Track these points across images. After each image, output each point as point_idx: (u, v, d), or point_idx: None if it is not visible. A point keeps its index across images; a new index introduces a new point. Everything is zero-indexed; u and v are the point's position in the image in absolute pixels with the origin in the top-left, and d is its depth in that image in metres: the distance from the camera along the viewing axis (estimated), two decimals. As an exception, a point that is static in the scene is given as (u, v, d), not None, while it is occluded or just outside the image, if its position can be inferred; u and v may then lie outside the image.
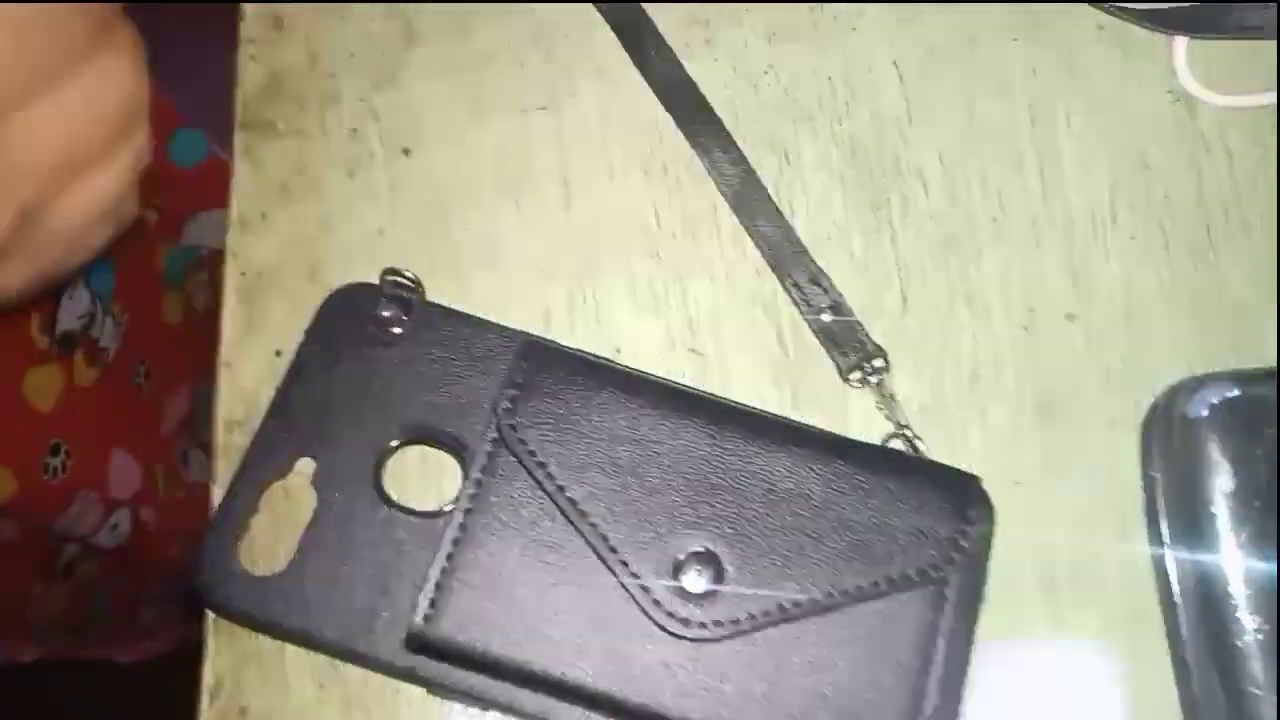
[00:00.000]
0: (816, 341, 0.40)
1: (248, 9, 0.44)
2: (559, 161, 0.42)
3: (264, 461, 0.38)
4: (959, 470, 0.38)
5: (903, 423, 0.39)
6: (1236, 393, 0.36)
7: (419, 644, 0.35)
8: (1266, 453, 0.36)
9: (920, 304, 0.41)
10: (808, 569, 0.36)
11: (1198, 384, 0.37)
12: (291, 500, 0.38)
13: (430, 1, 0.43)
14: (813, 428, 0.38)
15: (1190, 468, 0.36)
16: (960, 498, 0.36)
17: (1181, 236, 0.41)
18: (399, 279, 0.39)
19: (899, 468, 0.37)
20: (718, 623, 0.35)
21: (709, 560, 0.36)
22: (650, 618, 0.35)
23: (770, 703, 0.35)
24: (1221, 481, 0.36)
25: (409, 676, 0.36)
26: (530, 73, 0.43)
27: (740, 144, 0.42)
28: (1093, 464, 0.39)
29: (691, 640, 0.35)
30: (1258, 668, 0.34)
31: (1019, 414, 0.40)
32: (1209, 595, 0.35)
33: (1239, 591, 0.35)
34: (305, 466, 0.38)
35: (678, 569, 0.36)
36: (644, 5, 0.43)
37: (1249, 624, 0.35)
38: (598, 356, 0.39)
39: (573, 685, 0.35)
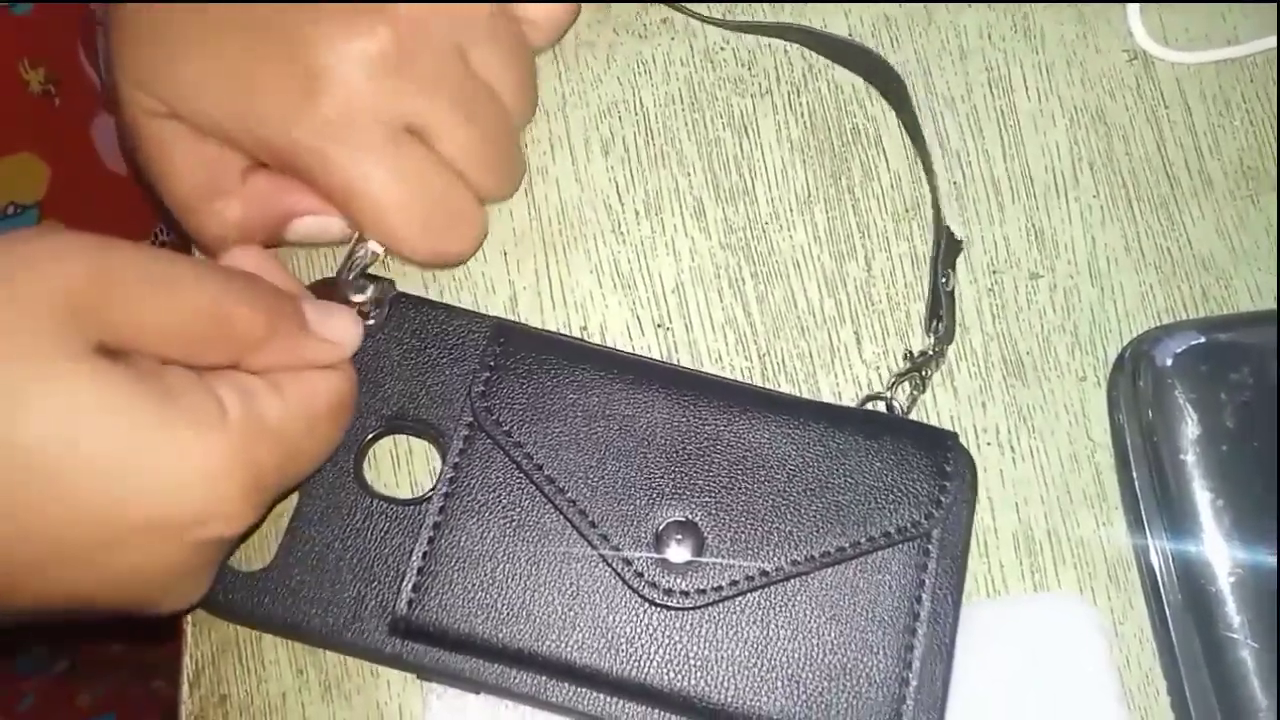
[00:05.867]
0: (783, 316, 0.40)
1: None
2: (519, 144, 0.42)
3: None
4: (935, 427, 0.38)
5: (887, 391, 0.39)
6: (1201, 340, 0.36)
7: (404, 629, 0.36)
8: (1232, 398, 0.35)
9: (884, 271, 0.41)
10: (788, 533, 0.36)
11: (1162, 333, 0.37)
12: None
13: None
14: (785, 394, 0.38)
15: (1158, 416, 0.36)
16: (938, 453, 0.36)
17: (1144, 193, 0.41)
18: (370, 271, 0.39)
19: (874, 428, 0.37)
20: (701, 591, 0.35)
21: (689, 530, 0.36)
22: (634, 590, 0.35)
23: (758, 668, 0.35)
24: (1189, 428, 0.35)
25: (397, 663, 0.36)
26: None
27: (701, 120, 0.42)
28: (1064, 420, 0.39)
29: (676, 610, 0.35)
30: (1232, 612, 0.34)
31: (988, 374, 0.40)
32: (1182, 542, 0.35)
33: (1212, 536, 0.35)
34: None
35: (659, 540, 0.36)
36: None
37: (1223, 568, 0.34)
38: (567, 335, 0.39)
39: (560, 662, 0.35)
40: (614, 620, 0.36)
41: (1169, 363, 0.36)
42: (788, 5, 0.43)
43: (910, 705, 0.35)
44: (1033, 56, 0.43)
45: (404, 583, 0.36)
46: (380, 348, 0.39)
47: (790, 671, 0.35)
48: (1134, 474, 0.37)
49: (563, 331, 0.40)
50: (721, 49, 0.43)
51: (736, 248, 0.41)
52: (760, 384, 0.40)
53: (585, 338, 0.40)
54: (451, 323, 0.39)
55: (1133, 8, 0.43)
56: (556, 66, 0.43)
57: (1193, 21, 0.43)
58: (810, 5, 0.43)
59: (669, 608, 0.35)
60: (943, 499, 0.36)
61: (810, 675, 0.35)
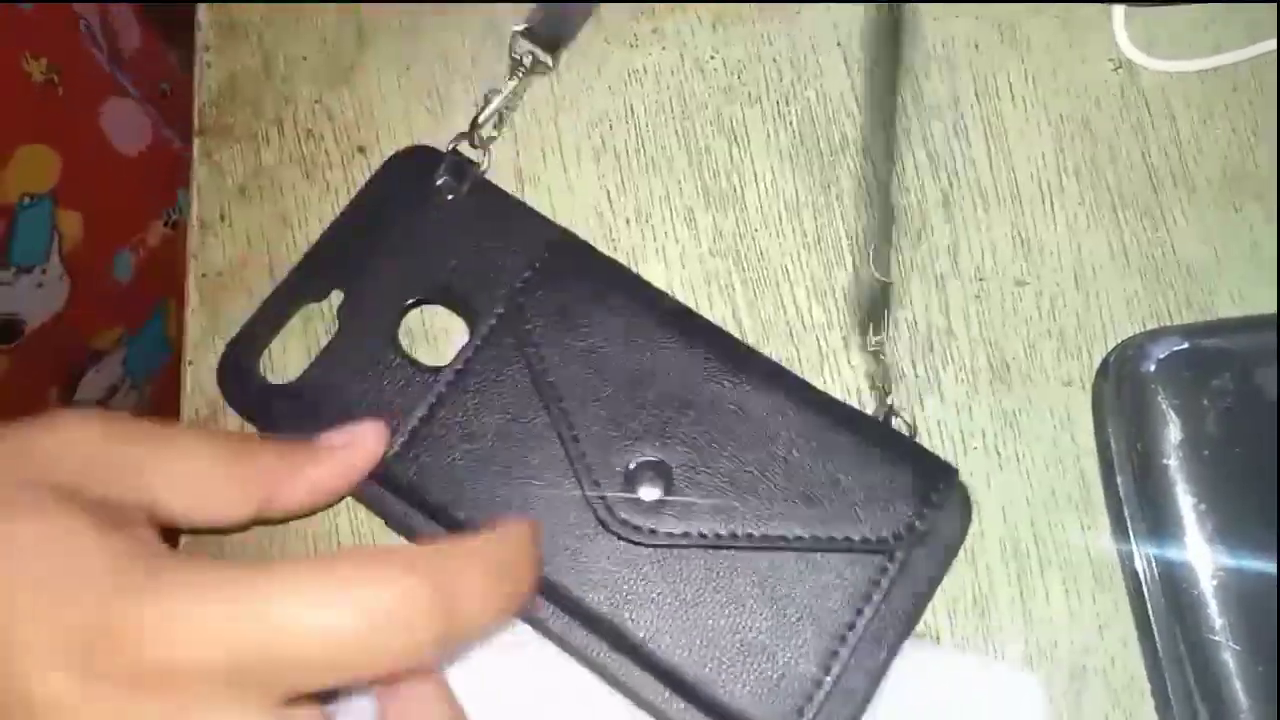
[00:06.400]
0: (772, 322, 0.41)
1: (203, 17, 0.44)
2: (512, 152, 0.43)
3: (304, 282, 0.41)
4: (939, 458, 0.38)
5: (891, 398, 0.39)
6: (1184, 345, 0.37)
7: (383, 477, 0.37)
8: (1214, 403, 0.36)
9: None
10: (758, 506, 0.36)
11: (1146, 339, 0.37)
12: (315, 326, 0.41)
13: (382, 1, 0.44)
14: (804, 381, 0.39)
15: (1141, 422, 0.36)
16: (930, 483, 0.36)
17: (1129, 200, 0.42)
18: (463, 154, 0.41)
19: (878, 438, 0.37)
20: (653, 531, 0.36)
21: (664, 472, 0.37)
22: (593, 510, 0.37)
23: (683, 619, 0.36)
24: (1172, 433, 0.36)
25: (374, 505, 0.38)
26: (482, 68, 0.44)
27: (691, 128, 0.43)
28: (1050, 425, 0.39)
29: (624, 541, 0.36)
30: (1215, 614, 0.34)
31: (975, 380, 0.40)
32: (1166, 546, 0.35)
33: (1195, 540, 0.35)
34: (337, 297, 0.40)
35: (632, 473, 0.37)
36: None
37: (1205, 572, 0.35)
38: (620, 263, 0.40)
39: None
40: (564, 533, 0.37)
41: (1152, 368, 0.37)
42: (775, 6, 0.43)
43: (815, 710, 0.35)
44: (1019, 65, 0.43)
45: (397, 436, 0.38)
46: (450, 220, 0.41)
47: (711, 635, 0.36)
48: (1118, 478, 0.37)
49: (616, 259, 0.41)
50: (711, 58, 0.43)
51: (726, 254, 0.42)
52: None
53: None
54: (520, 219, 0.41)
55: (1118, 18, 0.43)
56: (549, 76, 0.43)
57: (1176, 31, 0.43)
58: (797, 18, 0.43)
59: (618, 536, 0.36)
60: (917, 525, 0.36)
61: (728, 645, 0.35)
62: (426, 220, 0.40)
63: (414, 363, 0.39)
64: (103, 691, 0.25)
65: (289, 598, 0.25)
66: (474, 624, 0.28)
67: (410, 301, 0.40)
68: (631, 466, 0.37)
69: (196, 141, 0.43)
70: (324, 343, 0.40)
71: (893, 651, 0.35)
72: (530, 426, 0.38)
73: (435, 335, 0.41)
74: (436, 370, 0.39)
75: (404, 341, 0.40)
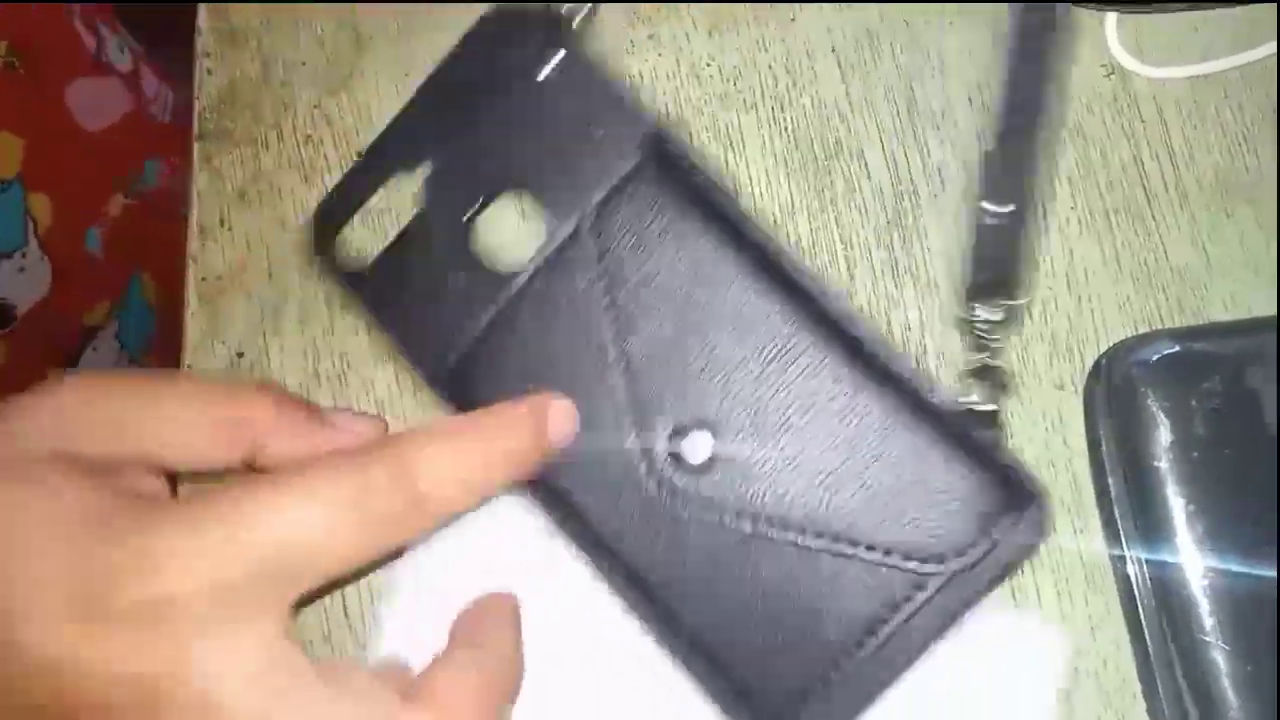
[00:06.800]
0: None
1: (203, 23, 0.45)
2: (509, 157, 0.43)
3: (397, 145, 0.38)
4: (1023, 479, 0.34)
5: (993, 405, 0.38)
6: (1175, 349, 0.37)
7: (447, 380, 0.36)
8: (1204, 406, 0.36)
9: (866, 281, 0.42)
10: (802, 494, 0.34)
11: (1137, 342, 0.38)
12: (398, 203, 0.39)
13: (379, 1, 0.45)
14: (896, 364, 0.35)
15: (1132, 424, 0.37)
16: (998, 508, 0.34)
17: (1121, 205, 0.42)
18: (553, 20, 0.38)
19: (955, 446, 0.34)
20: (685, 500, 0.35)
21: (718, 434, 0.35)
22: (631, 457, 0.35)
23: (701, 587, 0.34)
24: (1162, 435, 0.36)
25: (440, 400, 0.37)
26: (479, 74, 0.44)
27: (686, 134, 0.43)
28: (1042, 427, 0.40)
29: (657, 498, 0.35)
30: (1205, 614, 0.35)
31: (968, 383, 0.40)
32: (1156, 547, 0.36)
33: (1185, 541, 0.35)
34: (425, 170, 0.38)
35: (684, 426, 0.35)
36: (589, 4, 0.44)
37: (1195, 572, 0.35)
38: (721, 185, 0.37)
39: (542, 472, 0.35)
40: (607, 470, 0.35)
41: (1143, 371, 0.37)
42: (765, 5, 0.44)
43: (817, 698, 0.34)
44: (1012, 72, 0.43)
45: (460, 338, 0.36)
46: (542, 102, 0.37)
47: (729, 616, 0.34)
48: (1109, 480, 0.37)
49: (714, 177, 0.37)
50: (707, 65, 0.44)
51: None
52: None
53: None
54: (615, 110, 0.37)
55: (1110, 24, 0.43)
56: (545, 81, 0.44)
57: (1168, 37, 0.44)
58: (792, 25, 0.44)
59: (649, 492, 0.35)
60: (964, 553, 0.33)
61: (744, 627, 0.34)
62: (521, 96, 0.37)
63: (492, 259, 0.37)
64: (104, 634, 0.26)
65: (258, 512, 0.27)
66: (441, 499, 0.30)
67: (498, 189, 0.37)
68: (690, 420, 0.35)
69: (196, 146, 0.44)
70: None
71: (907, 661, 0.34)
72: (589, 348, 0.36)
73: (521, 227, 0.39)
74: (508, 276, 0.37)
75: (482, 233, 0.38)
